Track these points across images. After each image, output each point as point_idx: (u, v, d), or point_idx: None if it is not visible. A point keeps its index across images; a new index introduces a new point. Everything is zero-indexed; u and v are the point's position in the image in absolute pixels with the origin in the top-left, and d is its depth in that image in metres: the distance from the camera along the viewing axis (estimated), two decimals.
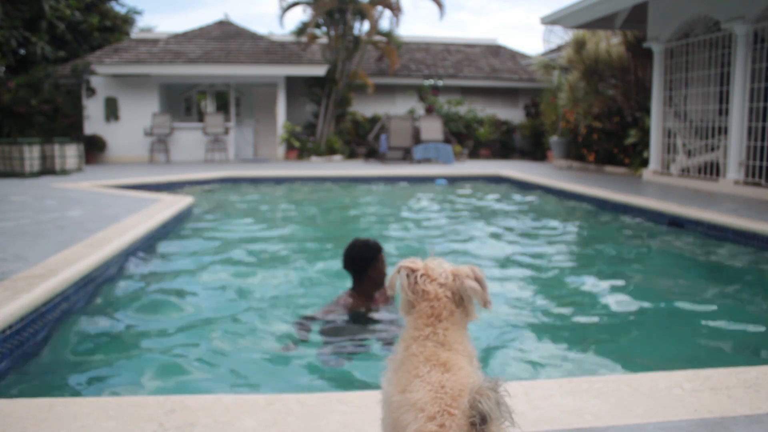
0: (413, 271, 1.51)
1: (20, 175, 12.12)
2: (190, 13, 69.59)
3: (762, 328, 4.01)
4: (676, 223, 7.32)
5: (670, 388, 2.36)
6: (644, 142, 12.58)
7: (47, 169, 12.72)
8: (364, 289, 3.78)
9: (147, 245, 5.95)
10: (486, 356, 3.49)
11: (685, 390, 2.34)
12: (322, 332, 3.62)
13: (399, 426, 1.34)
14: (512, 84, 21.79)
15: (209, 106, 21.39)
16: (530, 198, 10.69)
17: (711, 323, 4.06)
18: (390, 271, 1.57)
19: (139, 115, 17.98)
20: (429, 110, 19.98)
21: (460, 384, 1.33)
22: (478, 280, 1.52)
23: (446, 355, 1.41)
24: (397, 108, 21.26)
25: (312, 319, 3.79)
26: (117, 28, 23.63)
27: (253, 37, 19.38)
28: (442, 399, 1.30)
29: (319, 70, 18.18)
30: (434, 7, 34.78)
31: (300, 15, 34.79)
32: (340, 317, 3.72)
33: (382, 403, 1.48)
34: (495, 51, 23.77)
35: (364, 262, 3.72)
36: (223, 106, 21.59)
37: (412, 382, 1.37)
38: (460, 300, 1.50)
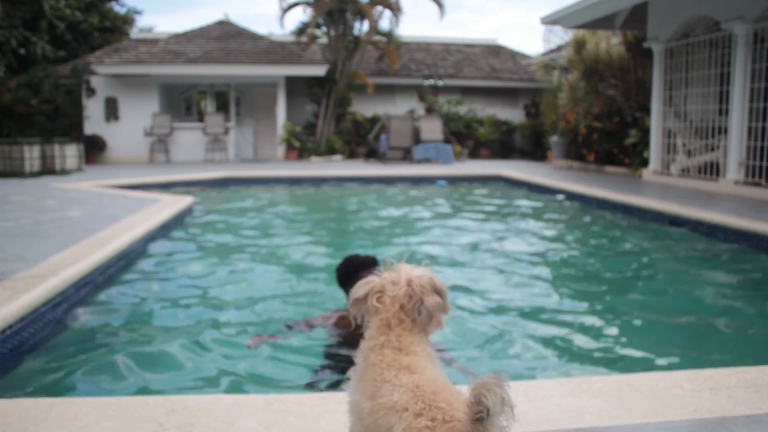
0: (370, 291, 1.57)
1: (20, 175, 12.12)
2: (190, 13, 69.63)
3: (762, 328, 4.01)
4: (677, 222, 7.32)
5: (670, 388, 2.36)
6: (644, 142, 12.57)
7: (47, 169, 12.72)
8: None
9: (147, 245, 5.95)
10: (486, 356, 3.49)
11: (685, 390, 2.34)
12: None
13: (379, 431, 1.36)
14: (512, 84, 21.78)
15: (209, 106, 21.40)
16: (530, 198, 10.69)
17: (710, 323, 4.05)
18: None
19: (139, 115, 17.98)
20: (429, 110, 19.97)
21: (431, 382, 1.36)
22: (438, 290, 1.55)
23: (407, 359, 1.44)
24: (397, 108, 21.25)
25: (307, 324, 3.67)
26: (117, 28, 23.62)
27: (253, 37, 19.37)
28: (423, 396, 1.32)
29: (319, 70, 18.18)
30: (434, 7, 34.80)
31: (300, 15, 34.86)
32: (332, 335, 3.52)
33: (350, 412, 1.51)
34: (495, 51, 23.77)
35: (359, 280, 3.44)
36: (223, 106, 21.59)
37: (381, 388, 1.39)
38: (413, 310, 1.51)
